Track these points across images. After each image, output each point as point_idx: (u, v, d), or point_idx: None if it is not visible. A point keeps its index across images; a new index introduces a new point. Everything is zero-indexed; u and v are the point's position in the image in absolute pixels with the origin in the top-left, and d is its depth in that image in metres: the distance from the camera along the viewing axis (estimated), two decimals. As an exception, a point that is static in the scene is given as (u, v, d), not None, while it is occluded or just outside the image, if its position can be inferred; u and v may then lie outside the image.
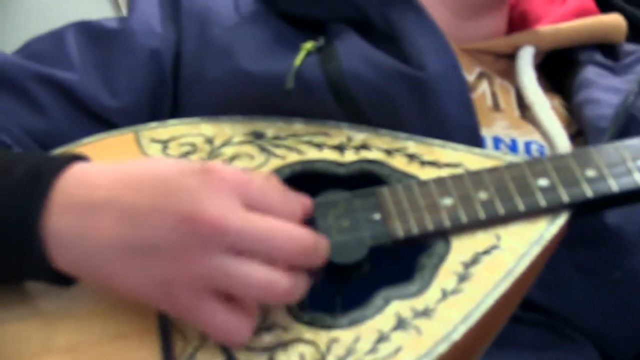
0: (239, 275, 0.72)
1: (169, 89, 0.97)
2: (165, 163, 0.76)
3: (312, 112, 0.93)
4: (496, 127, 1.00)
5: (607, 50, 1.09)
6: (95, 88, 0.95)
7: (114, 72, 0.96)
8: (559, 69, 1.08)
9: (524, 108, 1.02)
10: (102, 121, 0.94)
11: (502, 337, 0.84)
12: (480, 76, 1.02)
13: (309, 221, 0.82)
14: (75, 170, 0.76)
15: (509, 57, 1.06)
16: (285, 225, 0.74)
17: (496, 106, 1.00)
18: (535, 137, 1.00)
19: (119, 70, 0.96)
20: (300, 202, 0.78)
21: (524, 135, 1.00)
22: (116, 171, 0.76)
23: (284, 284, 0.73)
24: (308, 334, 0.77)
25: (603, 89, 1.02)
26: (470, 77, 1.01)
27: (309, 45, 0.94)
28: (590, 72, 1.04)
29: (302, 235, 0.74)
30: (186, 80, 0.96)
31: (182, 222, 0.72)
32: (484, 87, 1.02)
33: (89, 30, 0.98)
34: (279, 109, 0.93)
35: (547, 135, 0.99)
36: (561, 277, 0.92)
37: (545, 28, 1.07)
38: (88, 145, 0.92)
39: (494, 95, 1.01)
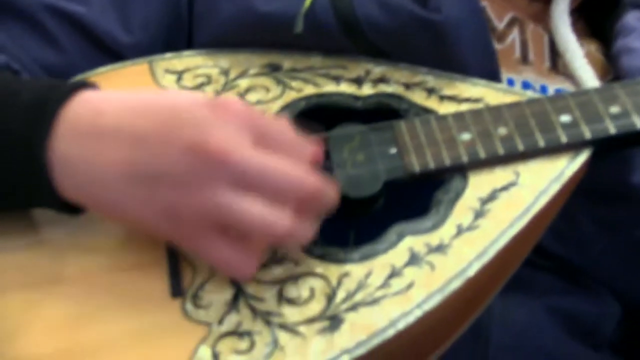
0: (238, 211, 0.70)
1: (184, 25, 0.95)
2: (177, 93, 0.75)
3: (330, 52, 0.91)
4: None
5: None
6: (109, 23, 0.93)
7: (129, 7, 0.94)
8: (600, 11, 1.04)
9: (556, 55, 0.98)
10: (116, 56, 0.92)
11: (516, 280, 0.83)
12: (512, 23, 0.98)
13: (324, 155, 0.81)
14: (83, 97, 0.74)
15: (545, 1, 1.02)
16: (292, 167, 0.72)
17: (524, 58, 0.97)
18: (566, 86, 0.97)
19: (134, 5, 0.94)
20: (312, 145, 0.75)
21: (555, 84, 0.97)
22: (125, 99, 0.74)
23: (283, 224, 0.71)
24: (319, 267, 0.75)
25: None
26: (500, 24, 0.98)
27: None
28: (632, 17, 0.99)
29: (307, 178, 0.72)
30: (199, 17, 0.94)
31: (188, 151, 0.70)
32: (514, 35, 0.98)
33: None
34: (294, 48, 0.91)
35: (580, 85, 0.96)
36: (581, 231, 0.90)
37: None
38: (101, 75, 0.91)
39: (523, 45, 0.97)
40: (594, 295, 0.91)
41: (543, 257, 0.90)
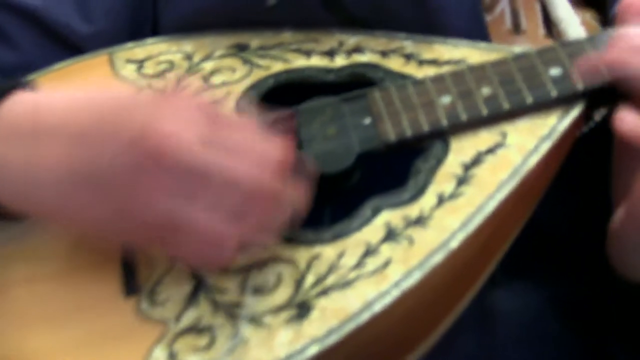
0: (184, 217, 0.63)
1: (148, 12, 0.88)
2: (122, 87, 0.68)
3: (303, 26, 0.84)
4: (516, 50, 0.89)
5: None
6: (66, 13, 0.87)
7: None
8: None
9: (550, 25, 0.90)
10: (77, 49, 0.86)
11: (518, 270, 0.77)
12: None
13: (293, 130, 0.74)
14: (20, 97, 0.69)
15: None
16: (247, 164, 0.64)
17: (516, 27, 0.89)
18: None
19: None
20: (280, 148, 0.67)
21: None
22: (65, 96, 0.68)
23: (234, 232, 0.64)
24: (287, 251, 0.68)
25: None
26: None
27: None
28: None
29: (263, 177, 0.64)
30: (165, 0, 0.88)
31: (131, 147, 0.63)
32: (502, 5, 0.90)
33: None
34: (265, 24, 0.84)
35: None
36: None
37: None
38: (60, 71, 0.85)
39: (514, 14, 0.89)
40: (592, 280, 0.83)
41: (545, 240, 0.81)
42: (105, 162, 0.64)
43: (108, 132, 0.64)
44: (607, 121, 0.78)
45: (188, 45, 0.84)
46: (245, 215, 0.64)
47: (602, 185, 0.78)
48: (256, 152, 0.66)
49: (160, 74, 0.83)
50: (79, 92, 0.69)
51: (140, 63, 0.84)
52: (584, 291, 0.83)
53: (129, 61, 0.84)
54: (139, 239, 0.65)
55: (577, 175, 0.79)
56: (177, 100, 0.65)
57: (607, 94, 0.72)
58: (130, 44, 0.86)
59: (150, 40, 0.86)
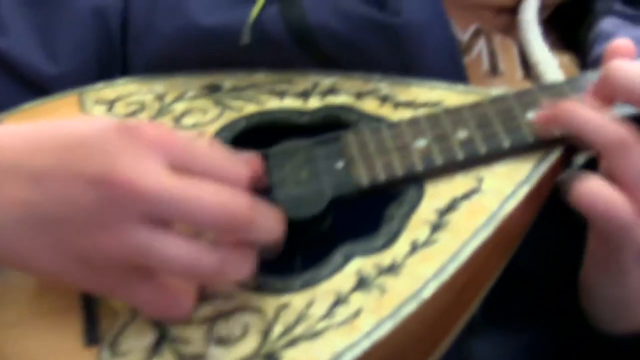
0: (155, 251, 0.61)
1: (117, 50, 0.86)
2: (82, 120, 0.65)
3: (277, 66, 0.82)
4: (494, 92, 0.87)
5: None
6: (31, 53, 0.84)
7: (53, 34, 0.85)
8: (572, 21, 0.94)
9: (528, 68, 0.88)
10: (42, 90, 0.84)
11: (493, 317, 0.74)
12: (477, 34, 0.88)
13: (264, 174, 0.72)
14: None
15: (512, 12, 0.92)
16: (216, 193, 0.62)
17: (494, 69, 0.87)
18: None
19: (59, 31, 0.86)
20: (246, 167, 0.66)
21: None
22: (25, 132, 0.65)
23: (209, 262, 0.61)
24: (254, 300, 0.66)
25: None
26: (464, 36, 0.88)
27: None
28: (608, 23, 0.90)
29: (235, 205, 0.62)
30: (135, 39, 0.86)
31: (93, 185, 0.61)
32: (479, 47, 0.88)
33: None
34: (239, 64, 0.82)
35: None
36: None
37: None
38: (28, 111, 0.83)
39: (492, 56, 0.87)
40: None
41: (526, 287, 0.79)
42: (67, 203, 0.61)
43: (68, 171, 0.62)
44: (589, 165, 0.76)
45: (159, 85, 0.82)
46: (218, 244, 0.62)
47: (583, 231, 0.75)
48: (224, 173, 0.64)
49: (131, 115, 0.81)
50: (42, 126, 0.65)
51: (110, 104, 0.82)
52: (563, 339, 0.81)
53: (99, 102, 0.82)
54: (101, 283, 0.63)
55: (557, 220, 0.77)
56: (141, 131, 0.63)
57: None
58: (100, 84, 0.83)
59: (120, 80, 0.84)
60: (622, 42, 0.73)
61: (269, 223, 0.64)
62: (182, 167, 0.63)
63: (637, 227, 0.66)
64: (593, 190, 0.66)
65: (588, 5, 0.92)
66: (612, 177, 0.67)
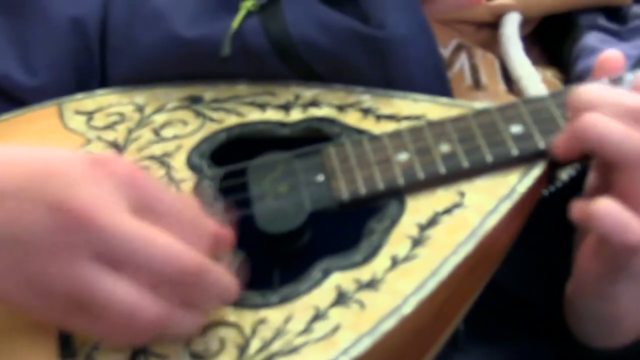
0: (96, 291, 0.60)
1: (95, 62, 0.85)
2: (53, 148, 0.64)
3: (259, 78, 0.81)
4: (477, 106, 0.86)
5: (611, 12, 0.93)
6: (7, 65, 0.83)
7: (30, 45, 0.84)
8: (555, 36, 0.94)
9: (511, 83, 0.87)
10: (18, 102, 0.82)
11: (481, 332, 0.74)
12: (458, 49, 0.88)
13: (242, 187, 0.71)
14: None
15: (493, 27, 0.91)
16: (171, 242, 0.61)
17: (476, 83, 0.86)
18: None
19: (35, 43, 0.84)
20: (212, 227, 0.64)
21: None
22: None
23: (149, 312, 0.60)
24: (232, 315, 0.65)
25: None
26: (445, 51, 0.87)
27: (249, 3, 0.81)
28: (592, 39, 0.89)
29: (189, 257, 0.61)
30: (115, 50, 0.84)
31: (49, 211, 0.60)
32: (461, 61, 0.87)
33: None
34: (221, 76, 0.81)
35: None
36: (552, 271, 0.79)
37: None
38: (6, 122, 0.81)
39: (474, 69, 0.87)
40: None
41: (509, 303, 0.78)
42: (24, 226, 0.60)
43: (29, 195, 0.61)
44: (574, 181, 0.75)
45: (140, 97, 0.82)
46: (167, 293, 0.60)
47: (569, 247, 0.75)
48: (187, 226, 0.63)
49: (110, 126, 0.80)
50: (10, 148, 0.65)
51: (89, 115, 0.81)
52: (548, 356, 0.80)
53: (78, 112, 0.81)
54: (52, 312, 0.62)
55: (543, 236, 0.76)
56: (108, 163, 0.62)
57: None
58: (80, 95, 0.83)
59: (100, 91, 0.83)
60: (612, 53, 0.73)
61: (221, 285, 0.63)
62: (145, 210, 0.62)
63: None
64: (613, 211, 0.65)
65: (572, 20, 0.91)
66: (625, 194, 0.66)
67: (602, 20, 0.91)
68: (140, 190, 0.62)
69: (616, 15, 0.93)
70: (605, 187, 0.68)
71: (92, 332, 0.63)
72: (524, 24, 0.89)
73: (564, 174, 0.77)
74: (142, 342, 0.63)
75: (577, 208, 0.67)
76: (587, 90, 0.68)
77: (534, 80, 0.83)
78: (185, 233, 0.62)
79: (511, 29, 0.88)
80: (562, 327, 0.76)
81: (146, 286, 0.60)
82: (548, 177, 0.71)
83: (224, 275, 0.63)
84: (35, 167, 0.62)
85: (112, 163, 0.63)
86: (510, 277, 0.77)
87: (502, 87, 0.85)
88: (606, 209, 0.65)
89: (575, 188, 0.73)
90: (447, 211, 0.68)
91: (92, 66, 0.84)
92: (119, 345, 0.63)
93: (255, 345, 0.63)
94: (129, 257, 0.60)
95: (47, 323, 0.65)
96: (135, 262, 0.60)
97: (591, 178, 0.71)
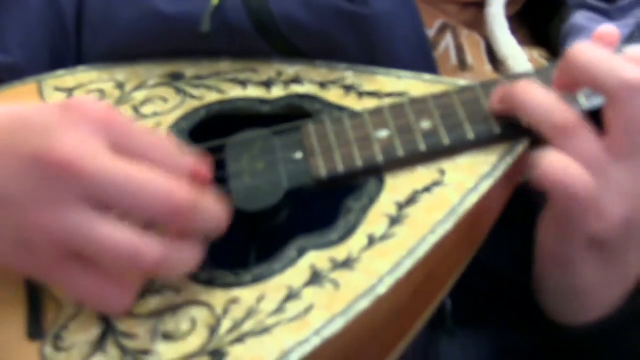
0: (93, 235, 0.59)
1: (71, 40, 0.83)
2: (28, 105, 0.63)
3: (241, 55, 0.79)
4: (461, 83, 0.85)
5: None
6: None
7: (4, 24, 0.83)
8: (543, 15, 0.92)
9: (497, 63, 0.86)
10: None
11: (466, 317, 0.72)
12: (443, 29, 0.86)
13: (220, 164, 0.69)
14: None
15: (478, 6, 0.89)
16: (160, 177, 0.60)
17: (462, 63, 0.84)
18: None
19: (9, 22, 0.83)
20: (191, 157, 0.63)
21: None
22: None
23: (152, 250, 0.59)
24: (203, 295, 0.63)
25: None
26: (430, 31, 0.85)
27: None
28: (580, 17, 0.87)
29: (179, 190, 0.60)
30: (92, 27, 0.83)
31: (31, 163, 0.59)
32: (447, 41, 0.85)
33: None
34: (203, 53, 0.80)
35: None
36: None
37: None
38: None
39: (459, 50, 0.85)
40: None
41: (497, 285, 0.76)
42: (4, 181, 0.59)
43: (7, 148, 0.60)
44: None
45: (120, 73, 0.80)
46: (177, 230, 0.59)
47: None
48: (168, 161, 0.62)
49: None
50: None
51: (69, 91, 0.79)
52: (537, 345, 0.78)
53: (58, 89, 0.80)
54: (40, 267, 0.60)
55: (530, 217, 0.74)
56: (81, 107, 0.61)
57: None
58: (61, 72, 0.81)
59: (81, 67, 0.81)
60: (607, 28, 0.71)
61: (212, 213, 0.62)
62: (124, 149, 0.61)
63: (594, 206, 0.64)
64: (560, 163, 0.64)
65: None
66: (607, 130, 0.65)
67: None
68: (117, 129, 0.61)
69: None
70: None
71: (83, 287, 0.61)
72: (509, 4, 0.87)
73: None
74: (129, 296, 0.61)
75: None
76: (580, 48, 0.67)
77: (521, 60, 0.81)
78: (165, 167, 0.61)
79: (497, 8, 0.86)
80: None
81: (140, 225, 0.59)
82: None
83: (213, 203, 0.62)
84: (11, 124, 0.61)
85: (85, 106, 0.61)
86: (497, 259, 0.75)
87: (488, 67, 0.84)
88: (551, 162, 0.64)
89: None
90: (427, 189, 0.67)
91: (67, 45, 0.83)
92: (109, 300, 0.62)
93: (226, 325, 0.62)
94: (120, 197, 0.59)
95: (34, 279, 0.64)
96: (126, 201, 0.59)
97: None
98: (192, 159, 0.63)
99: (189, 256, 0.62)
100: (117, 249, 0.59)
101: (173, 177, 0.61)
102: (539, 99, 0.66)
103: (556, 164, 0.64)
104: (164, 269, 0.61)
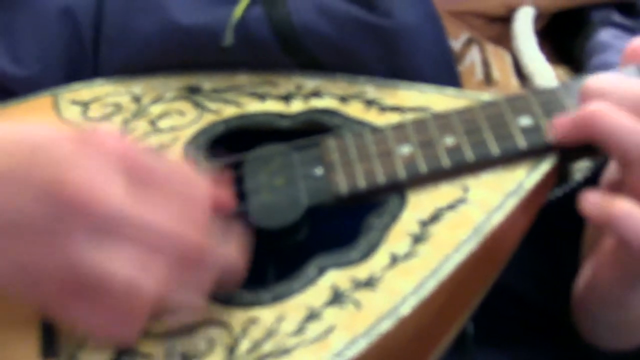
0: (97, 272, 0.57)
1: (88, 53, 0.82)
2: (40, 126, 0.62)
3: (260, 67, 0.78)
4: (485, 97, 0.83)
5: (624, 8, 0.90)
6: None
7: (19, 36, 0.82)
8: (567, 33, 0.90)
9: (523, 79, 0.84)
10: (9, 92, 0.80)
11: (494, 337, 0.71)
12: (469, 43, 0.84)
13: (238, 180, 0.68)
14: None
15: (505, 21, 0.87)
16: (172, 221, 0.59)
17: (488, 78, 0.82)
18: None
19: (24, 34, 0.82)
20: (209, 186, 0.62)
21: None
22: None
23: (149, 286, 0.58)
24: (221, 314, 0.62)
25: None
26: (456, 44, 0.84)
27: None
28: (606, 34, 0.86)
29: (189, 232, 0.59)
30: (109, 40, 0.81)
31: (43, 195, 0.58)
32: (473, 55, 0.84)
33: None
34: (220, 65, 0.78)
35: None
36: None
37: None
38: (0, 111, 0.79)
39: (485, 64, 0.83)
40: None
41: (520, 307, 0.74)
42: (16, 211, 0.58)
43: (20, 178, 0.58)
44: (588, 181, 0.72)
45: (137, 86, 0.79)
46: (166, 274, 0.58)
47: (576, 250, 0.71)
48: (187, 194, 0.60)
49: (106, 117, 0.77)
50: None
51: (85, 105, 0.78)
52: None
53: (74, 102, 0.78)
54: (47, 297, 0.59)
55: (556, 239, 0.73)
56: (99, 140, 0.59)
57: (584, 147, 0.66)
58: (76, 85, 0.80)
59: (97, 81, 0.80)
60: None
61: (225, 259, 0.61)
62: (141, 182, 0.59)
63: None
64: (635, 214, 0.61)
65: (584, 16, 0.87)
66: (634, 192, 0.62)
67: (616, 16, 0.88)
68: (134, 163, 0.60)
69: (630, 10, 0.89)
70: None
71: (85, 321, 0.60)
72: (536, 19, 0.85)
73: (578, 174, 0.74)
74: (135, 328, 0.60)
75: (592, 204, 0.63)
76: (600, 78, 0.65)
77: (548, 76, 0.80)
78: (183, 201, 0.60)
79: (525, 24, 0.84)
80: (571, 330, 0.72)
81: (144, 264, 0.58)
82: (559, 173, 0.68)
83: (227, 256, 0.61)
84: (21, 147, 0.60)
85: (102, 138, 0.60)
86: (521, 281, 0.73)
87: (514, 81, 0.82)
88: (628, 212, 0.61)
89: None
90: (451, 207, 0.65)
91: (83, 57, 0.82)
92: (111, 333, 0.60)
93: (245, 345, 0.60)
94: (130, 236, 0.58)
95: (39, 310, 0.62)
96: (136, 241, 0.58)
97: (610, 170, 0.67)
98: (213, 188, 0.61)
99: (193, 295, 0.60)
100: (114, 280, 0.58)
101: (189, 210, 0.59)
102: (624, 124, 0.62)
103: (636, 214, 0.61)
104: (167, 303, 0.59)
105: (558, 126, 0.66)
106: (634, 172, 0.62)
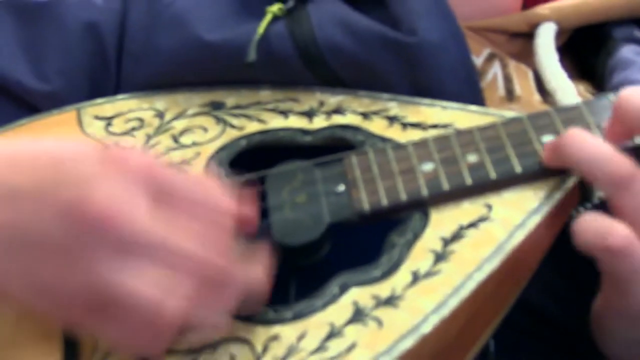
0: (120, 288, 0.57)
1: (111, 68, 0.82)
2: (63, 143, 0.62)
3: (283, 84, 0.78)
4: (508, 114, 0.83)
5: None
6: (19, 71, 0.81)
7: (43, 51, 0.82)
8: (588, 49, 0.90)
9: (545, 95, 0.84)
10: (30, 108, 0.80)
11: (514, 351, 0.70)
12: (491, 58, 0.84)
13: (260, 196, 0.68)
14: None
15: (526, 37, 0.87)
16: (194, 242, 0.58)
17: (510, 94, 0.82)
18: None
19: (48, 49, 0.82)
20: (234, 207, 0.62)
21: None
22: (5, 148, 0.62)
23: (173, 308, 0.57)
24: (243, 331, 0.62)
25: None
26: (478, 60, 0.84)
27: (275, 7, 0.79)
28: (628, 51, 0.86)
29: (212, 255, 0.59)
30: (133, 56, 0.82)
31: (66, 213, 0.57)
32: (495, 70, 0.84)
33: (13, 5, 0.84)
34: (243, 81, 0.79)
35: None
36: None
37: (570, 1, 0.88)
38: (24, 127, 0.79)
39: (507, 80, 0.83)
40: None
41: (541, 323, 0.74)
42: (38, 229, 0.58)
43: (43, 196, 0.58)
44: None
45: (160, 102, 0.79)
46: (189, 294, 0.58)
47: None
48: (212, 212, 0.60)
49: (129, 132, 0.77)
50: (22, 144, 0.62)
51: (108, 120, 0.78)
52: None
53: (97, 118, 0.79)
54: (71, 315, 0.59)
55: (577, 256, 0.72)
56: (123, 159, 0.59)
57: None
58: (100, 100, 0.80)
59: (120, 96, 0.81)
60: None
61: (249, 278, 0.61)
62: (165, 201, 0.59)
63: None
64: (590, 223, 0.61)
65: (606, 33, 0.87)
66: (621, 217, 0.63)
67: (638, 33, 0.87)
68: (158, 182, 0.60)
69: None
70: None
71: (111, 337, 0.60)
72: (557, 36, 0.85)
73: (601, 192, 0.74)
74: (162, 345, 0.60)
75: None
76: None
77: (570, 93, 0.79)
78: (207, 220, 0.60)
79: (547, 40, 0.84)
80: (591, 346, 0.72)
81: (169, 284, 0.58)
82: (582, 191, 0.67)
83: (251, 277, 0.61)
84: (46, 164, 0.60)
85: (126, 157, 0.60)
86: (542, 297, 0.73)
87: (537, 97, 0.82)
88: (583, 222, 0.62)
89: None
90: (473, 225, 0.65)
91: (107, 73, 0.82)
92: (137, 349, 0.60)
93: None
94: (151, 257, 0.57)
95: (63, 327, 0.63)
96: (158, 262, 0.57)
97: None
98: (236, 205, 0.61)
99: (215, 316, 0.60)
100: (139, 302, 0.57)
101: (214, 234, 0.59)
102: (593, 150, 0.63)
103: (589, 221, 0.62)
104: (189, 324, 0.59)
105: (545, 150, 0.66)
106: (609, 198, 0.62)
